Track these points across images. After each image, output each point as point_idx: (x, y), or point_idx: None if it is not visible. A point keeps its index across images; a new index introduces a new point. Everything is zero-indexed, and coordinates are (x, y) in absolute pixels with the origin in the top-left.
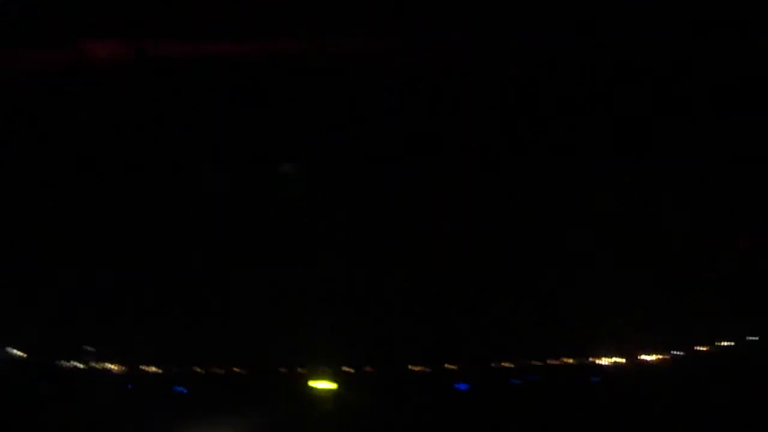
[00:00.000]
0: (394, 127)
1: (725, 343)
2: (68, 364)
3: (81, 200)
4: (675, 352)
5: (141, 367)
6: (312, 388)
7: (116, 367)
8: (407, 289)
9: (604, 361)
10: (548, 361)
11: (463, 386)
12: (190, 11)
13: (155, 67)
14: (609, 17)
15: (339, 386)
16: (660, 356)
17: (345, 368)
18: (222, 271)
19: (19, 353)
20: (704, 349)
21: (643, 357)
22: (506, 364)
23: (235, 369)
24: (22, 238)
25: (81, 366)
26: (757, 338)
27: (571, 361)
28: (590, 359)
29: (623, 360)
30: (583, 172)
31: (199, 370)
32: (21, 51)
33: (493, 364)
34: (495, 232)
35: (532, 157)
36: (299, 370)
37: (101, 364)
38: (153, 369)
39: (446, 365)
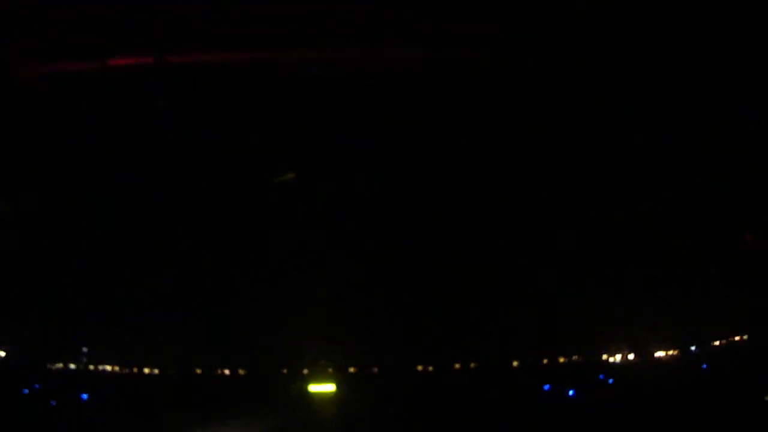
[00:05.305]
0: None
1: (738, 338)
2: (62, 365)
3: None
4: (690, 348)
5: (142, 369)
6: (313, 389)
7: (114, 369)
8: (411, 290)
9: (615, 358)
10: (559, 360)
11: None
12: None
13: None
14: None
15: (341, 387)
16: (674, 352)
17: (350, 369)
18: (224, 274)
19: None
20: (718, 344)
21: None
22: (515, 363)
23: (239, 371)
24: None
25: (74, 367)
26: None
27: (577, 358)
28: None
29: (635, 357)
30: (589, 173)
31: (199, 371)
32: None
33: (500, 364)
34: (503, 234)
35: (538, 159)
36: (302, 371)
37: (98, 366)
38: (154, 371)
39: (454, 365)
